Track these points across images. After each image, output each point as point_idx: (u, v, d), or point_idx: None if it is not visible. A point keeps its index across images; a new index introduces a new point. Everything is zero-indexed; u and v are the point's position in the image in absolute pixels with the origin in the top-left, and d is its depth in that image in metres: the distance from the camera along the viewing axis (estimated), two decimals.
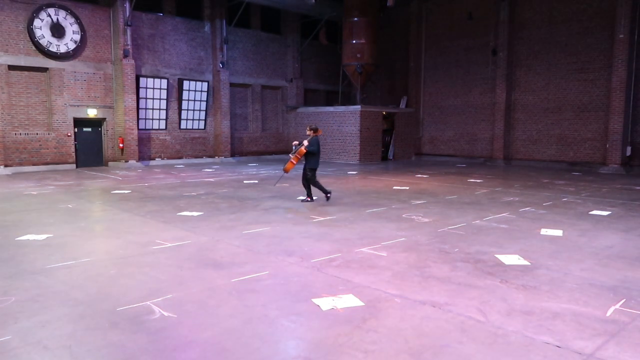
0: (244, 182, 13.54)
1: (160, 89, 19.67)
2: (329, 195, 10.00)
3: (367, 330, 3.75)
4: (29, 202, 10.01)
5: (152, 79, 19.36)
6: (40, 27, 16.51)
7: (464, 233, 7.11)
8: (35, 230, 7.24)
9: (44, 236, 6.85)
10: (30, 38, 16.40)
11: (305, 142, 9.57)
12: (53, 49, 16.81)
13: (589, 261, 5.68)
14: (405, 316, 4.04)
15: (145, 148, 19.44)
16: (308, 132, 9.84)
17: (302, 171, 10.02)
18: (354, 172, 16.43)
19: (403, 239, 6.77)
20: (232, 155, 21.96)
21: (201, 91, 20.93)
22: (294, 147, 9.90)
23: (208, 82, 21.08)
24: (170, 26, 19.91)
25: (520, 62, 19.89)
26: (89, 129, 18.37)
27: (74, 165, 17.71)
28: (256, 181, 13.68)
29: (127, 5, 17.87)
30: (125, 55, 18.02)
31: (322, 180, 14.53)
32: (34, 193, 11.26)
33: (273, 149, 24.04)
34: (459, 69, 21.89)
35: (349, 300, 4.36)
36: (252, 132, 23.19)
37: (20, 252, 6.02)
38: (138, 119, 18.87)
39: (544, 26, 19.10)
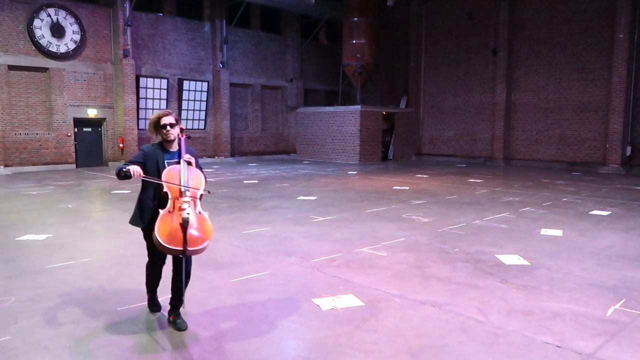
0: (244, 182, 13.54)
1: (160, 89, 19.68)
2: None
3: (367, 330, 3.74)
4: (29, 202, 10.01)
5: (152, 79, 19.36)
6: (40, 27, 16.51)
7: (464, 233, 7.11)
8: (35, 230, 7.23)
9: (44, 236, 6.84)
10: (30, 38, 16.40)
11: (191, 158, 3.83)
12: (53, 49, 16.82)
13: (589, 261, 5.68)
14: (405, 316, 4.04)
15: None
16: (171, 132, 3.81)
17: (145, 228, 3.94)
18: (354, 172, 16.42)
19: (403, 239, 6.76)
20: (232, 155, 21.96)
21: (201, 91, 20.94)
22: (185, 177, 3.70)
23: (208, 82, 21.09)
24: (170, 26, 19.91)
25: (520, 62, 19.89)
26: (89, 129, 18.37)
27: (74, 165, 17.71)
28: (256, 181, 13.67)
29: (127, 5, 17.87)
30: (125, 55, 18.02)
31: (321, 181, 14.61)
32: (34, 193, 11.26)
33: (273, 149, 24.04)
34: (459, 69, 21.89)
35: (349, 300, 4.36)
36: (252, 132, 23.20)
37: (20, 252, 6.01)
38: (138, 119, 18.87)
39: (544, 26, 19.09)
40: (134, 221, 3.81)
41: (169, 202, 3.58)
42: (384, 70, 24.71)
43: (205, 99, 21.13)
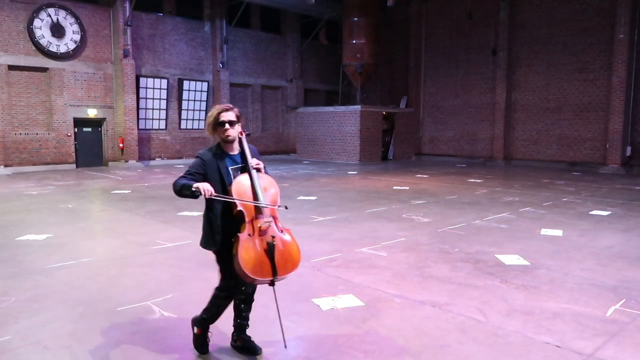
0: None
1: (160, 89, 19.68)
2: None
3: (367, 330, 3.74)
4: (29, 202, 10.01)
5: (152, 79, 19.36)
6: (40, 27, 16.51)
7: (464, 233, 7.11)
8: (35, 230, 7.23)
9: (44, 236, 6.84)
10: (30, 38, 16.40)
11: (259, 163, 3.20)
12: (53, 49, 16.82)
13: (589, 261, 5.68)
14: (405, 316, 4.04)
15: (145, 148, 19.44)
16: (230, 132, 3.18)
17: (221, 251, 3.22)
18: (354, 172, 16.42)
19: (403, 239, 6.76)
20: None
21: (201, 91, 20.94)
22: (257, 186, 3.08)
23: (208, 82, 21.09)
24: (170, 26, 19.91)
25: (520, 62, 19.88)
26: (89, 129, 18.37)
27: (74, 165, 17.71)
28: None
29: (127, 5, 17.87)
30: (125, 55, 18.01)
31: (321, 180, 14.60)
32: (34, 193, 11.26)
33: (273, 149, 24.04)
34: (459, 69, 21.89)
35: (349, 300, 4.36)
36: (252, 132, 23.17)
37: (20, 252, 6.01)
38: (138, 119, 18.87)
39: (544, 26, 19.09)
40: (205, 244, 3.19)
41: (247, 224, 3.00)
42: (384, 70, 24.71)
43: (205, 99, 21.13)
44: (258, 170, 3.14)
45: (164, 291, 4.60)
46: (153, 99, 19.55)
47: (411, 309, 4.20)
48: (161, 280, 4.95)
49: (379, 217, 8.35)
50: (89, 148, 18.37)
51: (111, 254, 6.01)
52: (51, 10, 16.67)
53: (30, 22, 16.28)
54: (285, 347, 3.32)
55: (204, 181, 3.02)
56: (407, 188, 12.22)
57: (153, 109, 19.63)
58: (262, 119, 23.63)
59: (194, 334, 3.36)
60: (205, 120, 3.14)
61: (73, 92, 17.57)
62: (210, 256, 6.00)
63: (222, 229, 3.08)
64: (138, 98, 18.83)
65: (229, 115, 3.14)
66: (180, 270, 5.31)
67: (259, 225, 3.00)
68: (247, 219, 3.00)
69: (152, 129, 19.73)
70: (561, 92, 18.85)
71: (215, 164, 3.12)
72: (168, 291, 4.60)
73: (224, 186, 3.06)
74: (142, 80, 19.05)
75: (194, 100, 20.82)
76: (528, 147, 19.91)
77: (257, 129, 23.38)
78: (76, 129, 17.85)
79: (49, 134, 17.13)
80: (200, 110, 21.07)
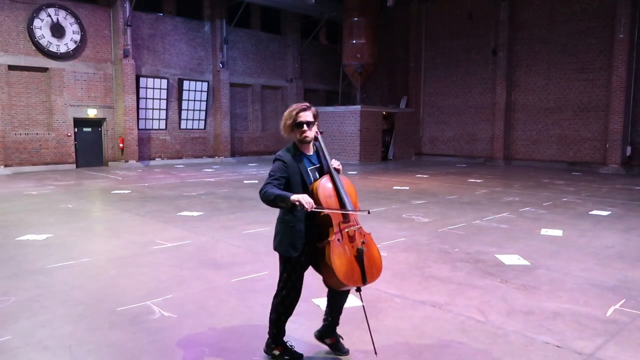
0: (244, 182, 13.54)
1: (160, 89, 19.68)
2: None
3: (367, 330, 3.74)
4: (29, 202, 10.01)
5: (152, 79, 19.36)
6: (40, 27, 16.51)
7: (464, 233, 7.11)
8: (35, 230, 7.23)
9: (44, 236, 6.84)
10: (30, 38, 16.40)
11: (339, 165, 3.22)
12: (53, 49, 16.82)
13: (589, 261, 5.68)
14: (405, 316, 4.04)
15: (145, 148, 19.44)
16: (308, 133, 3.02)
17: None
18: (354, 172, 16.42)
19: (403, 239, 6.76)
20: (232, 155, 21.97)
21: (201, 91, 20.94)
22: (338, 186, 3.05)
23: (208, 82, 21.09)
24: (170, 26, 19.91)
25: (520, 62, 19.89)
26: (89, 129, 18.38)
27: (74, 165, 17.72)
28: (256, 181, 13.67)
29: (127, 5, 17.88)
30: (125, 55, 18.02)
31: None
32: (34, 193, 11.26)
33: (273, 149, 24.00)
34: (459, 69, 21.89)
35: (349, 300, 4.34)
36: (252, 132, 23.19)
37: (20, 252, 6.01)
38: (138, 119, 18.88)
39: (544, 26, 19.10)
40: (282, 249, 3.15)
41: (334, 229, 2.95)
42: (384, 70, 24.70)
43: (205, 99, 21.13)
44: (338, 171, 3.11)
45: (164, 291, 4.60)
46: (153, 99, 19.55)
47: (411, 309, 4.20)
48: (161, 280, 4.95)
49: (379, 217, 8.34)
50: (89, 148, 18.37)
51: (111, 254, 6.01)
52: (51, 10, 16.67)
53: (30, 22, 16.28)
54: (376, 353, 3.30)
55: (286, 184, 2.98)
56: (407, 188, 12.22)
57: (153, 109, 19.63)
58: (262, 119, 23.63)
59: (275, 356, 3.23)
60: (281, 120, 3.06)
61: (73, 92, 17.57)
62: (210, 256, 6.01)
63: (305, 233, 3.01)
64: (138, 98, 18.84)
65: (307, 116, 3.02)
66: (180, 270, 5.30)
67: (346, 231, 2.98)
68: (334, 224, 2.95)
69: (152, 129, 19.73)
70: (561, 92, 18.85)
71: (295, 165, 3.03)
72: (168, 291, 4.60)
73: (305, 187, 3.01)
74: (142, 80, 19.06)
75: (194, 100, 20.82)
76: (528, 147, 19.92)
77: (257, 129, 23.39)
78: (76, 129, 17.85)
79: (49, 134, 17.14)
80: (200, 110, 21.08)
